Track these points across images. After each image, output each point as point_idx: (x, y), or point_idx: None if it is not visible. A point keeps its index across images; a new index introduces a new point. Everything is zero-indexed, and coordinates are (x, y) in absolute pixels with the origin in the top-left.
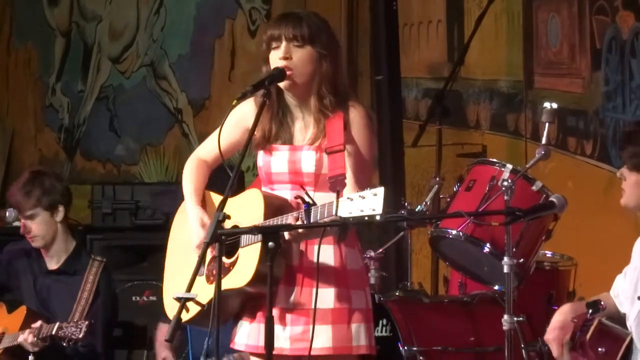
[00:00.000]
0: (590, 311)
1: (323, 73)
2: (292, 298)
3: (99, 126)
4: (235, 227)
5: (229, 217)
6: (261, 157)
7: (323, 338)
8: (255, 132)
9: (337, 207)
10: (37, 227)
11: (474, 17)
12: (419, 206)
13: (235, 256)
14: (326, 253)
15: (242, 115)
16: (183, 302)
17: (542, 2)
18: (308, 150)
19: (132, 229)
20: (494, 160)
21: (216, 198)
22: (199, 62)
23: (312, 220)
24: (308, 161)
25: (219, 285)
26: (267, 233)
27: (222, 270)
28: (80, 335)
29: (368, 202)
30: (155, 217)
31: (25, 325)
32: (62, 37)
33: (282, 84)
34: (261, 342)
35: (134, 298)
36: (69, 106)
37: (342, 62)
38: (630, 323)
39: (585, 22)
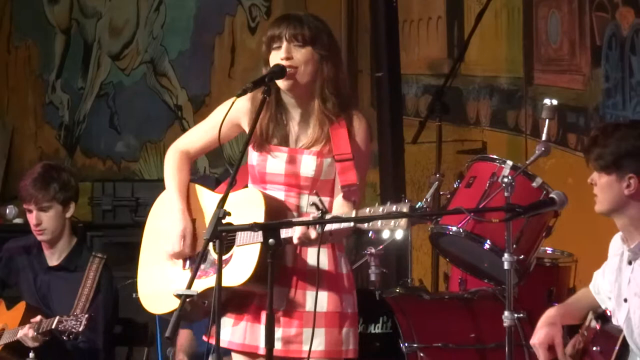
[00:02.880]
0: (601, 322)
1: (325, 75)
2: (285, 300)
3: (99, 123)
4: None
5: (229, 213)
6: (255, 156)
7: (316, 341)
8: (248, 129)
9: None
10: (49, 220)
11: (474, 14)
12: (419, 203)
13: (230, 254)
14: (321, 256)
15: (234, 111)
16: (183, 299)
17: None
18: (309, 155)
19: (132, 225)
20: (494, 156)
21: (201, 191)
22: (199, 59)
23: (326, 228)
24: (308, 166)
25: (219, 282)
26: (268, 230)
27: (212, 266)
28: (80, 329)
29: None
30: None
31: (24, 321)
32: (62, 34)
33: (283, 84)
34: (247, 340)
35: (134, 295)
36: (69, 103)
37: (342, 65)
38: (619, 324)
39: (585, 19)
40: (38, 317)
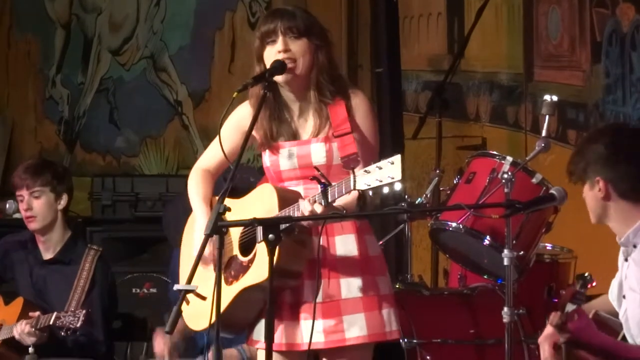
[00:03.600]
0: (580, 284)
1: (320, 64)
2: (319, 291)
3: (99, 118)
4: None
5: (229, 209)
6: (267, 156)
7: (356, 327)
8: (256, 133)
9: (354, 181)
10: (40, 206)
11: (474, 10)
12: (419, 198)
13: (253, 253)
14: (348, 242)
15: (241, 118)
16: (183, 294)
17: None
18: (317, 143)
19: (132, 220)
20: (494, 152)
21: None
22: (199, 54)
23: (330, 200)
24: (318, 154)
25: (218, 280)
26: (266, 225)
27: (241, 269)
28: (79, 325)
29: (386, 172)
30: (155, 209)
31: (22, 317)
32: (62, 29)
33: (282, 78)
34: (284, 339)
35: (134, 290)
36: (69, 98)
37: (334, 52)
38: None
39: (585, 15)
40: (36, 313)
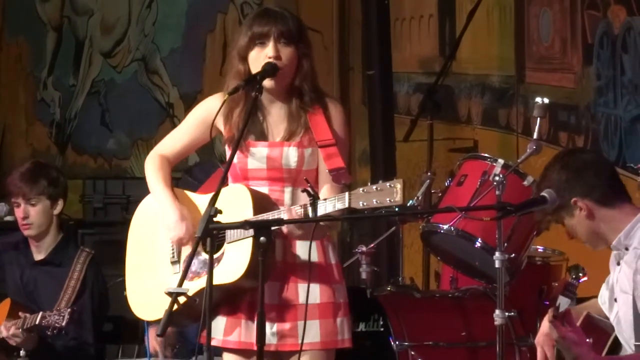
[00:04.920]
0: (573, 275)
1: (304, 71)
2: (277, 294)
3: (90, 120)
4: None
5: (220, 211)
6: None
7: (311, 333)
8: (224, 128)
9: (349, 199)
10: (37, 214)
11: (465, 12)
12: (411, 201)
13: (221, 252)
14: (309, 248)
15: (207, 112)
16: (174, 297)
17: None
18: (289, 147)
19: (123, 223)
20: (486, 155)
21: (186, 194)
22: (190, 56)
23: (319, 214)
24: (290, 158)
25: (210, 281)
26: (259, 228)
27: (204, 266)
28: (64, 323)
29: (387, 195)
30: None
31: (10, 318)
32: (53, 31)
33: (268, 82)
34: (242, 338)
35: (124, 293)
36: (60, 100)
37: (314, 58)
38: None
39: (576, 17)
40: (23, 314)
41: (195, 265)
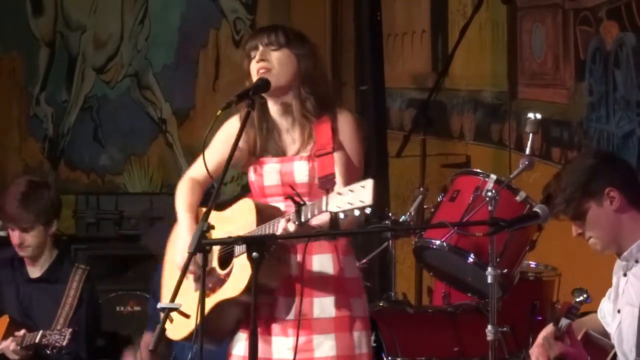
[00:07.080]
0: (577, 299)
1: (302, 73)
2: (293, 309)
3: (83, 136)
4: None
5: (213, 227)
6: (252, 171)
7: (326, 347)
8: (242, 148)
9: (327, 202)
10: (33, 239)
11: (458, 28)
12: (403, 216)
13: (230, 266)
14: (325, 261)
15: (230, 133)
16: (167, 312)
17: (527, 12)
18: (300, 161)
19: (116, 238)
20: (478, 170)
21: (215, 214)
22: (183, 72)
23: (303, 219)
24: (300, 172)
25: (202, 296)
26: (250, 243)
27: (218, 282)
28: (64, 343)
29: (357, 195)
30: (140, 227)
31: (8, 334)
32: (46, 47)
33: (267, 97)
34: (260, 353)
35: (118, 308)
36: (53, 116)
37: (322, 65)
38: (612, 337)
39: (569, 33)
40: (22, 332)
41: (210, 281)
